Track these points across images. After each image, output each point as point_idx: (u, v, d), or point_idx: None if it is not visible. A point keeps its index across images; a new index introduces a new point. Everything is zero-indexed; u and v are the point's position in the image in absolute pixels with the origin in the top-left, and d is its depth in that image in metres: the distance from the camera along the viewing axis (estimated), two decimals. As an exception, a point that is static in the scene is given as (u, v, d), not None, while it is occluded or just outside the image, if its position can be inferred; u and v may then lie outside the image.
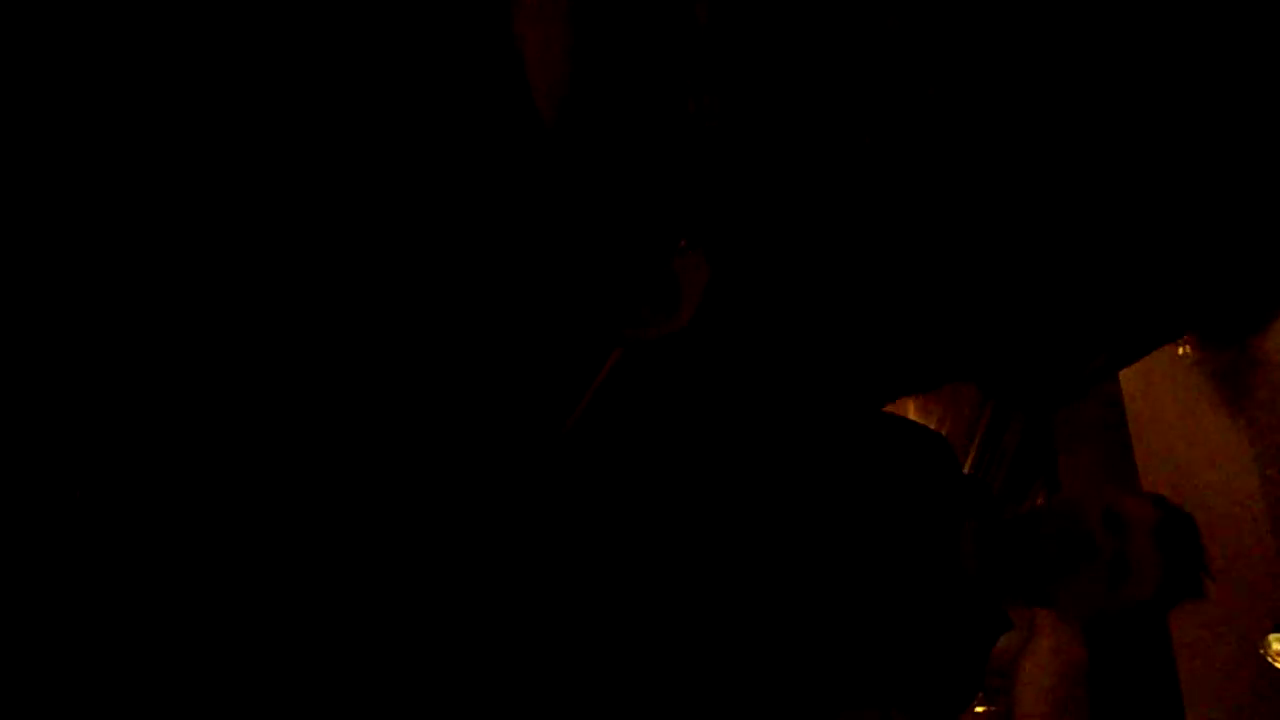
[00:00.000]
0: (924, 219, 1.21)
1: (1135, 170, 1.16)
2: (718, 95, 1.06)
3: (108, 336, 0.91)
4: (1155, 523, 1.18)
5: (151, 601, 0.95)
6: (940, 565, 1.21)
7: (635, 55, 1.01)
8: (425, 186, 0.97)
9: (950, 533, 1.23)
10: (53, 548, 0.91)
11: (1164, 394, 1.99)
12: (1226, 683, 1.78)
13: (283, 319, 0.96)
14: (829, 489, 1.24)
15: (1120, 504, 1.19)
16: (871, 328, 1.30)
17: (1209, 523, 1.25)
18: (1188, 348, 1.83)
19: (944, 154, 1.16)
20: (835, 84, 1.13)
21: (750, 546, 1.20)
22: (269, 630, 1.01)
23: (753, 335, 1.30)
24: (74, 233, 0.88)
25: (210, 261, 0.92)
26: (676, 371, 1.27)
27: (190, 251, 0.92)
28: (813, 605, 1.18)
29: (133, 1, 0.84)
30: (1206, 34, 1.09)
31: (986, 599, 1.23)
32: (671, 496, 1.21)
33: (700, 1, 1.06)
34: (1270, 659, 1.67)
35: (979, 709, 2.42)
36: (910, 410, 2.28)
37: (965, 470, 2.43)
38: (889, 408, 1.47)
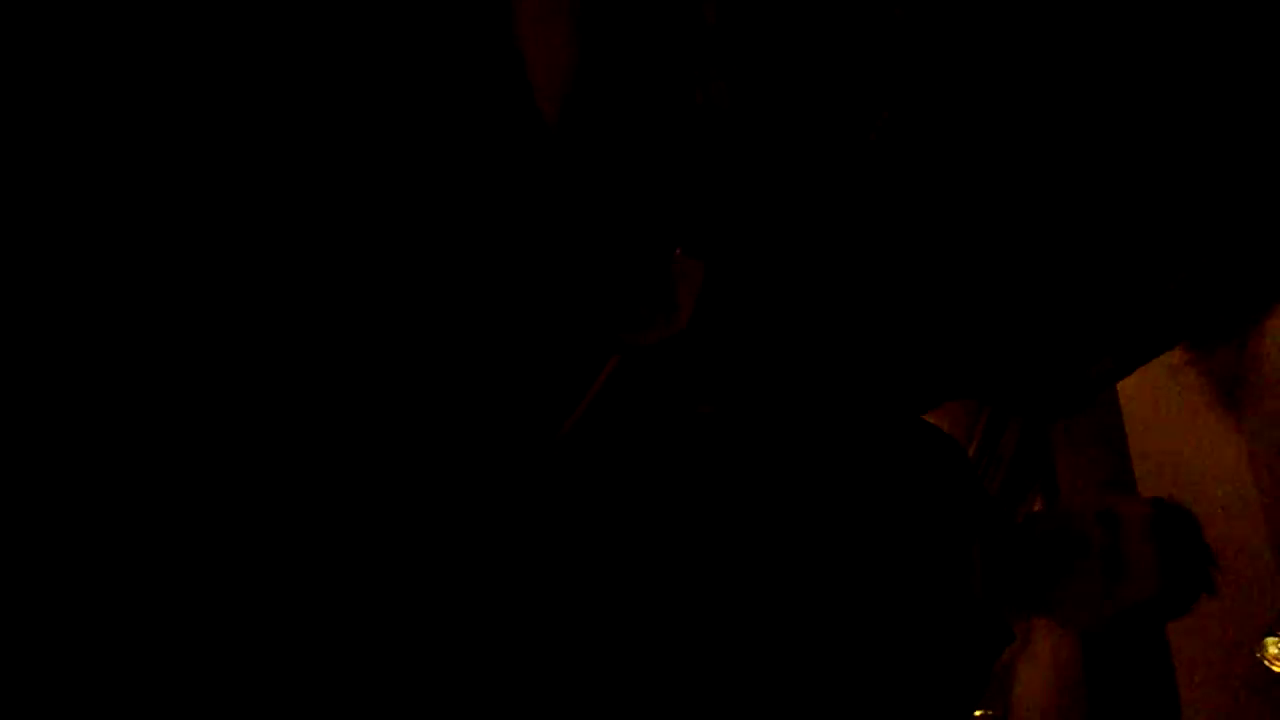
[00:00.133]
0: (926, 219, 1.21)
1: (1136, 169, 1.16)
2: (726, 84, 1.06)
3: (107, 336, 0.91)
4: (1148, 517, 1.18)
5: (151, 602, 0.95)
6: (948, 582, 1.21)
7: (641, 52, 1.02)
8: (425, 189, 0.98)
9: (961, 551, 1.22)
10: (52, 548, 0.91)
11: (1160, 397, 2.00)
12: (1222, 686, 1.78)
13: (279, 318, 0.96)
14: (833, 499, 1.23)
15: (1115, 504, 1.19)
16: (874, 329, 1.30)
17: (1205, 526, 1.25)
18: (1184, 350, 1.83)
19: (947, 154, 1.16)
20: (841, 78, 1.13)
21: (752, 555, 1.19)
22: (268, 631, 1.00)
23: (751, 340, 1.30)
24: (74, 232, 0.88)
25: (210, 260, 0.93)
26: (675, 376, 1.27)
27: (190, 249, 0.92)
28: (814, 618, 1.17)
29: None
30: (1207, 36, 1.09)
31: (991, 614, 1.22)
32: (671, 504, 1.21)
33: (709, 2, 1.06)
34: (1267, 662, 1.68)
35: (976, 712, 2.42)
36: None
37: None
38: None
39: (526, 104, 0.94)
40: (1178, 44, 1.09)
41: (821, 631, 1.16)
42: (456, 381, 1.06)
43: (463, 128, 0.97)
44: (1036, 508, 2.65)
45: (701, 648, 1.14)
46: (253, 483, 0.98)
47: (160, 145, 0.88)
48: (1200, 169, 1.15)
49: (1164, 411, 2.00)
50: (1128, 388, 2.12)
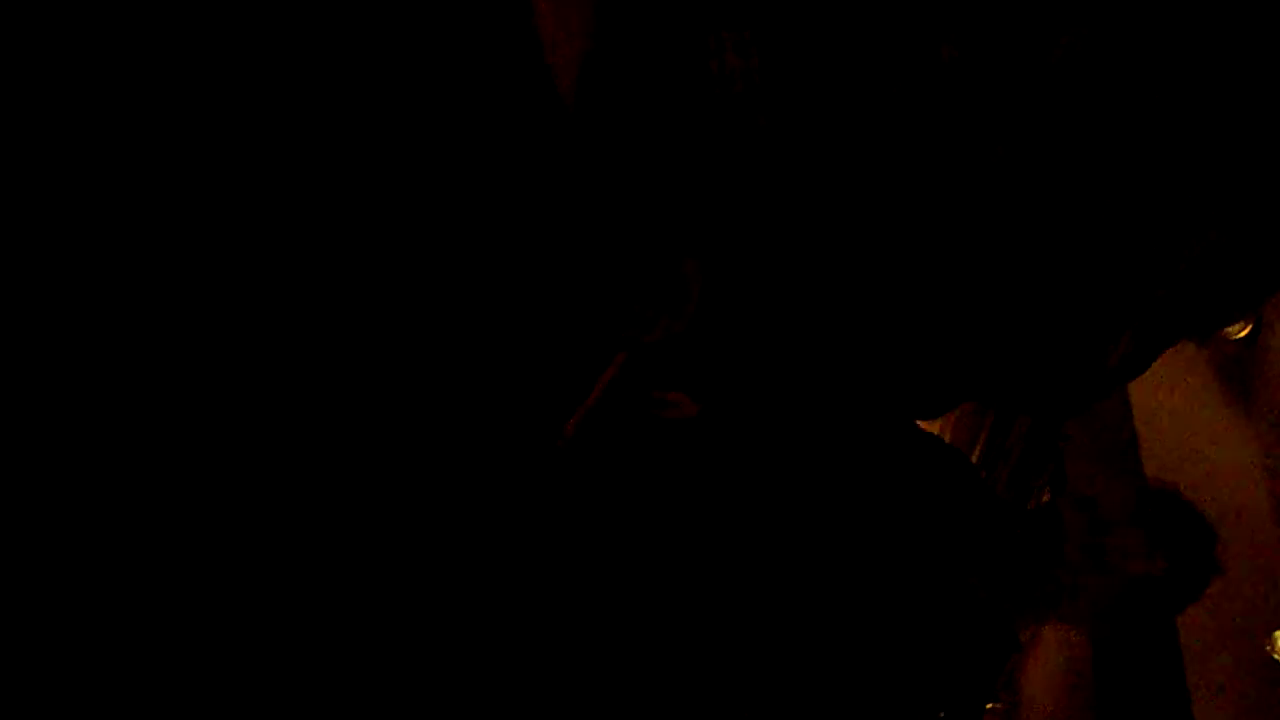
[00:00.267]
0: (936, 214, 1.21)
1: (1138, 171, 1.16)
2: (750, 52, 1.03)
3: (108, 336, 0.91)
4: (1129, 500, 1.18)
5: (150, 602, 0.95)
6: (954, 592, 1.21)
7: (658, 24, 1.01)
8: (435, 182, 0.97)
9: (962, 556, 1.23)
10: (52, 548, 0.90)
11: (1169, 388, 2.00)
12: (1233, 680, 1.78)
13: (276, 317, 0.96)
14: (838, 508, 1.23)
15: (1094, 490, 1.19)
16: (882, 330, 1.30)
17: (1215, 519, 1.26)
18: (1193, 341, 1.83)
19: (956, 136, 1.15)
20: (868, 63, 1.12)
21: (756, 561, 1.19)
22: (268, 631, 1.00)
23: (757, 339, 1.29)
24: (73, 232, 0.88)
25: (210, 257, 0.92)
26: (681, 378, 1.26)
27: (190, 246, 0.92)
28: (819, 625, 1.17)
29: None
30: (1208, 41, 1.09)
31: (995, 619, 1.22)
32: (671, 505, 1.21)
33: None
34: (1277, 655, 1.68)
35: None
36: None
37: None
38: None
39: (545, 86, 0.93)
40: (1179, 49, 1.09)
41: (823, 636, 1.16)
42: (457, 381, 1.06)
43: (479, 111, 0.97)
44: (1044, 501, 2.65)
45: (702, 650, 1.14)
46: (253, 482, 0.98)
47: (162, 143, 0.88)
48: (1204, 165, 1.14)
49: (1173, 403, 2.00)
50: (1136, 380, 2.12)
